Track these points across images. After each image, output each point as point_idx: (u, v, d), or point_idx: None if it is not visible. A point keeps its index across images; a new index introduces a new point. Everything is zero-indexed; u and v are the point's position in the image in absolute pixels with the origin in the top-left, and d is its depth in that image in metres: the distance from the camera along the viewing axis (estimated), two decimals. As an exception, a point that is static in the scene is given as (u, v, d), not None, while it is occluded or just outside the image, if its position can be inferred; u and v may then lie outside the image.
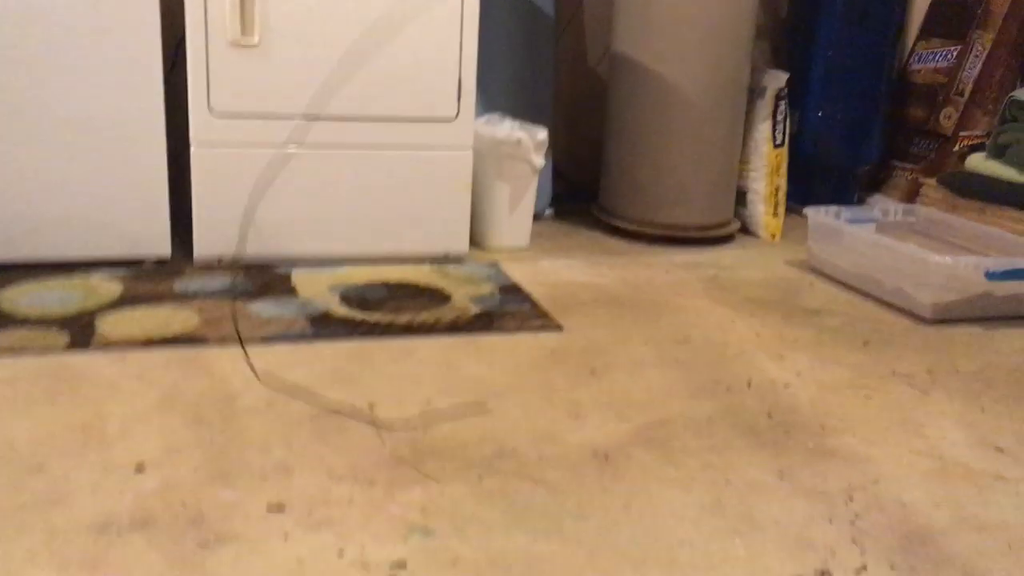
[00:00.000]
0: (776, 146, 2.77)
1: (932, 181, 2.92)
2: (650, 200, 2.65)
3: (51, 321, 1.78)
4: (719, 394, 1.66)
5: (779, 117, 2.75)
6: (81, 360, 1.63)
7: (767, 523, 1.25)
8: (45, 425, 1.39)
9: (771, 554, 1.18)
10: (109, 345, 1.70)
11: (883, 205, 2.90)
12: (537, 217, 2.73)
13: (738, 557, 1.17)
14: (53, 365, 1.60)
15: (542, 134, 2.49)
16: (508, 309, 2.02)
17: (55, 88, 1.99)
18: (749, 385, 1.71)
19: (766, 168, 2.77)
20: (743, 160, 2.78)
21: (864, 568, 1.17)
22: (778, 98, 2.74)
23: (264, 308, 1.93)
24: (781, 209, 2.82)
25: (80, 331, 1.74)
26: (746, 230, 2.84)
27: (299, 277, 2.15)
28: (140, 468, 1.29)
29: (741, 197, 2.82)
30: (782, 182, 2.81)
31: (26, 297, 1.90)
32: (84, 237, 2.09)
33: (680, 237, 2.67)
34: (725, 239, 2.75)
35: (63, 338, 1.71)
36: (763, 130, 2.75)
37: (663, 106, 2.58)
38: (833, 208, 2.52)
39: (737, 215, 2.83)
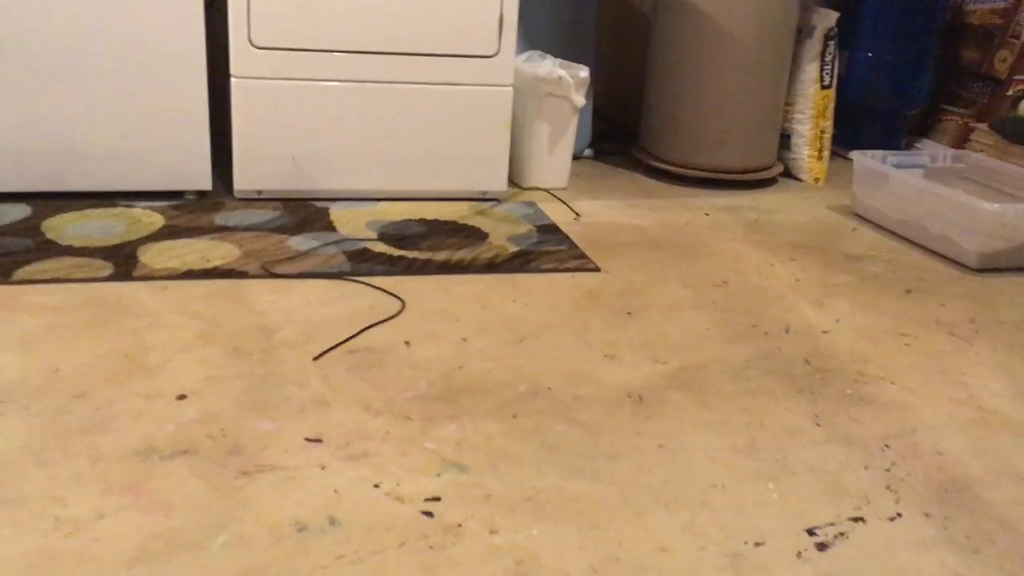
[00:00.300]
0: (823, 87, 2.70)
1: (983, 126, 2.84)
2: (691, 141, 2.61)
3: (94, 251, 1.81)
4: (756, 339, 1.65)
5: (827, 58, 2.68)
6: (123, 290, 1.66)
7: (801, 468, 1.25)
8: (89, 353, 1.42)
9: (804, 499, 1.18)
10: (151, 276, 1.72)
11: (931, 150, 2.84)
12: (576, 157, 2.70)
13: (771, 501, 1.17)
14: (96, 294, 1.63)
15: (583, 72, 2.45)
16: (545, 249, 2.01)
17: (98, 23, 1.99)
18: (787, 330, 1.70)
19: (812, 110, 2.71)
20: (788, 101, 2.72)
21: (899, 516, 1.16)
22: (827, 38, 2.67)
23: (303, 242, 1.94)
24: (826, 153, 2.77)
25: (123, 261, 1.77)
26: (789, 173, 2.79)
27: (337, 212, 2.16)
28: (181, 397, 1.31)
29: (785, 140, 2.77)
30: (828, 125, 2.74)
31: (70, 227, 1.92)
32: (127, 169, 2.11)
33: (721, 179, 2.63)
34: (767, 182, 2.71)
35: (106, 268, 1.73)
36: (810, 71, 2.69)
37: (707, 45, 2.52)
38: (879, 152, 2.46)
39: (780, 158, 2.78)
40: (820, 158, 2.75)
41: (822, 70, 2.68)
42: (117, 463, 1.15)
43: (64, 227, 1.92)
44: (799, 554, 1.07)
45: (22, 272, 1.68)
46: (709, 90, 2.56)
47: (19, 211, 1.99)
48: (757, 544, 1.08)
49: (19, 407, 1.26)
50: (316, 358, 1.46)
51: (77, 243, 1.84)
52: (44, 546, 0.99)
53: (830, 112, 2.74)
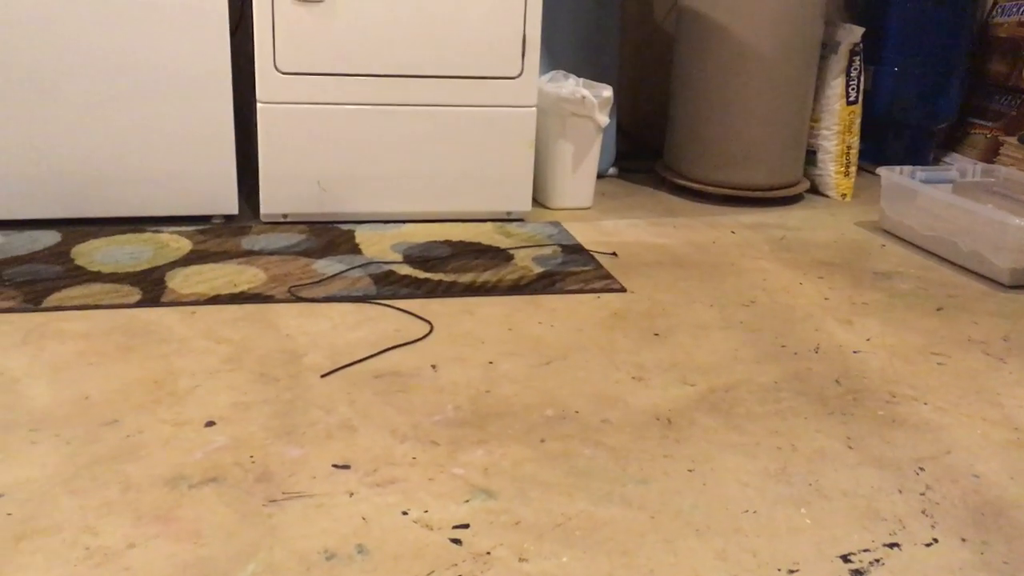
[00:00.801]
0: (849, 103, 2.68)
1: (1013, 139, 2.81)
2: (716, 159, 2.60)
3: (123, 276, 1.82)
4: (785, 359, 1.63)
5: (853, 73, 2.66)
6: (152, 315, 1.67)
7: (834, 493, 1.23)
8: (118, 379, 1.43)
9: (838, 524, 1.16)
10: (179, 301, 1.73)
11: (960, 165, 2.80)
12: (600, 176, 2.70)
13: (804, 527, 1.15)
14: (125, 320, 1.64)
15: (607, 92, 2.45)
16: (571, 269, 2.01)
17: (125, 50, 2.01)
18: (817, 350, 1.68)
19: (838, 126, 2.69)
20: (814, 118, 2.71)
21: (935, 541, 1.14)
22: (852, 53, 2.65)
23: (329, 266, 1.95)
24: (853, 169, 2.74)
25: (151, 287, 1.78)
26: (816, 190, 2.77)
27: (362, 235, 2.16)
28: (210, 424, 1.31)
29: (811, 156, 2.75)
30: (854, 140, 2.72)
31: (99, 252, 1.94)
32: (154, 194, 2.13)
33: (747, 197, 2.61)
34: (793, 199, 2.69)
35: (135, 293, 1.74)
36: (836, 86, 2.67)
37: (731, 62, 2.52)
38: (907, 168, 2.44)
39: (806, 175, 2.76)
40: (847, 174, 2.73)
41: (848, 85, 2.67)
42: (147, 491, 1.15)
43: (93, 253, 1.94)
44: (834, 581, 1.06)
45: (52, 299, 1.70)
46: (734, 107, 2.55)
47: (49, 238, 2.01)
48: (791, 572, 1.07)
49: (50, 435, 1.27)
50: (325, 375, 1.46)
51: (106, 269, 1.86)
52: (76, 575, 1.00)
53: (856, 127, 2.72)
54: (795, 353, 1.66)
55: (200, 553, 1.04)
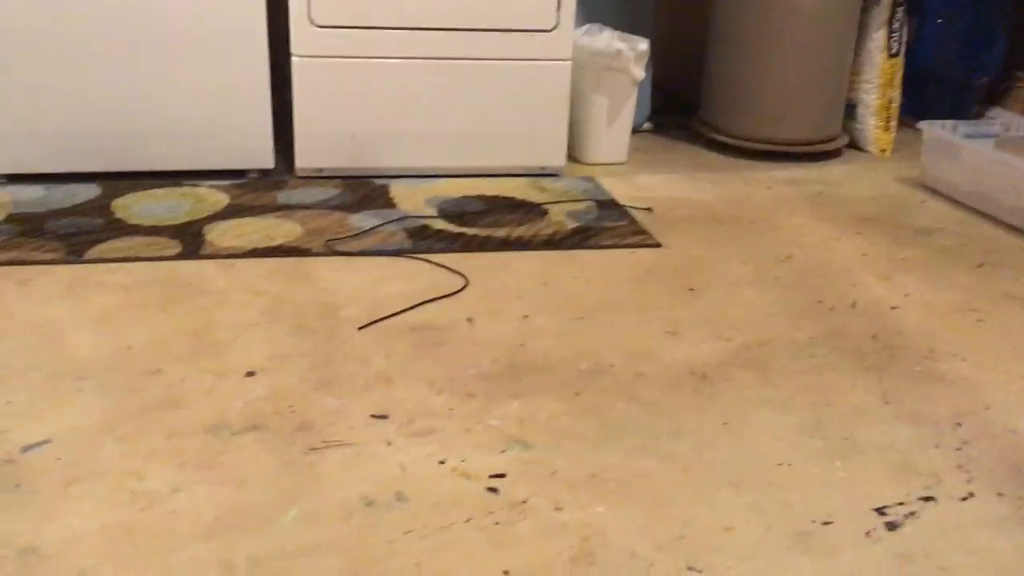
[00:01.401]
0: (891, 56, 2.63)
1: (1059, 93, 2.74)
2: (753, 113, 2.57)
3: (162, 229, 1.85)
4: (821, 315, 1.63)
5: (895, 25, 2.60)
6: (191, 268, 1.69)
7: (869, 447, 1.23)
8: (160, 331, 1.45)
9: (873, 479, 1.16)
10: (217, 254, 1.75)
11: (1003, 119, 2.74)
12: (635, 131, 2.68)
13: (838, 480, 1.16)
14: (165, 273, 1.67)
15: (643, 45, 2.42)
16: (605, 225, 2.00)
17: (162, 5, 2.02)
18: (853, 306, 1.67)
19: (879, 79, 2.64)
20: (854, 71, 2.66)
21: (971, 495, 1.14)
22: (895, 4, 2.59)
23: (364, 220, 1.96)
24: (893, 123, 2.70)
25: (190, 240, 1.80)
26: (855, 145, 2.73)
27: (397, 190, 2.17)
28: (250, 374, 1.34)
29: (851, 110, 2.70)
30: (896, 94, 2.67)
31: (138, 206, 1.97)
32: (191, 148, 2.14)
33: (784, 152, 2.58)
34: (832, 154, 2.65)
35: (174, 246, 1.77)
36: (877, 39, 2.61)
37: (770, 14, 2.47)
38: (949, 122, 2.40)
39: (846, 129, 2.71)
40: (887, 129, 2.68)
41: (890, 38, 2.61)
42: (190, 438, 1.18)
43: (132, 206, 1.96)
44: (868, 533, 1.06)
45: (94, 251, 1.73)
46: (772, 60, 2.51)
47: (89, 191, 2.04)
48: (825, 523, 1.07)
49: (95, 384, 1.29)
50: (362, 328, 1.48)
51: (145, 222, 1.88)
52: (123, 519, 1.03)
53: (898, 81, 2.67)
54: (831, 309, 1.65)
55: (243, 498, 1.07)
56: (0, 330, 1.43)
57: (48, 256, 1.70)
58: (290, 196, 2.08)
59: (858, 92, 2.68)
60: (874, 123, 2.68)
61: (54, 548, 0.98)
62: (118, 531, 1.01)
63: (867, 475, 1.17)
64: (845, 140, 2.67)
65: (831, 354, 1.48)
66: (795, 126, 2.56)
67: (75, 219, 1.88)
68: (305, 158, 2.20)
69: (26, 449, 1.14)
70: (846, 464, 1.19)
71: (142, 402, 1.26)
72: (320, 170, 2.22)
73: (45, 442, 1.16)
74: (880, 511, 1.10)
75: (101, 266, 1.68)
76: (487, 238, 1.90)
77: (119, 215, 1.91)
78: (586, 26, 2.52)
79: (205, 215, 1.94)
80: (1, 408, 1.23)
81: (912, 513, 1.10)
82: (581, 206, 2.12)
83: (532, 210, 2.08)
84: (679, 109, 2.91)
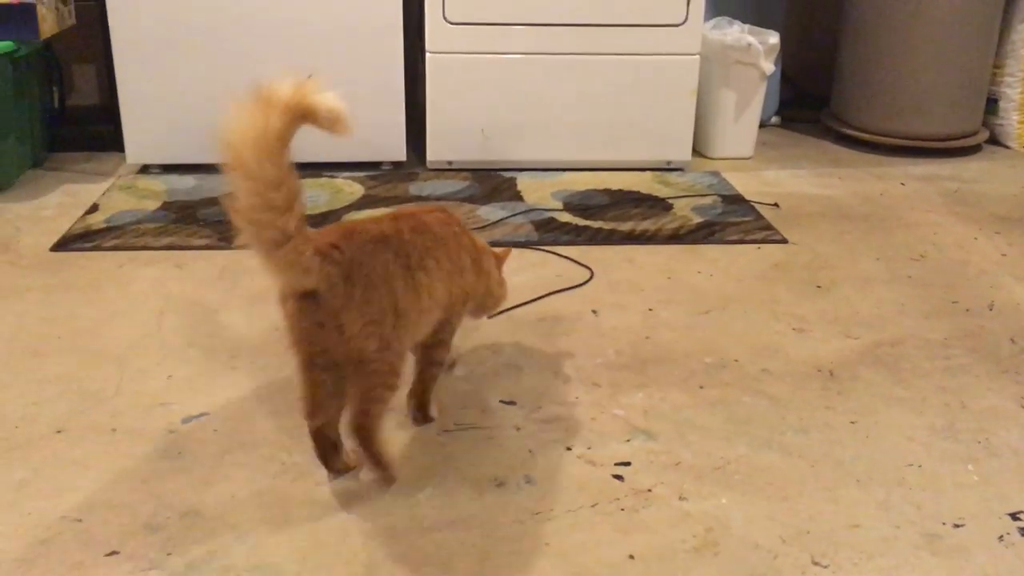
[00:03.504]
0: (1037, 47, 2.52)
1: None
2: (887, 107, 2.50)
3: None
4: (956, 315, 1.59)
5: (1043, 15, 2.49)
6: (330, 256, 1.78)
7: (1005, 451, 1.21)
8: (303, 314, 1.54)
9: (1008, 482, 1.14)
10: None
11: None
12: (763, 125, 2.65)
13: (971, 483, 1.14)
14: (307, 260, 1.76)
15: (773, 38, 2.39)
16: (730, 220, 2.00)
17: (304, 5, 2.12)
18: (991, 307, 1.62)
19: (1023, 73, 2.53)
20: (997, 64, 2.56)
21: (1113, 506, 1.11)
22: (1044, -7, 2.48)
23: (492, 212, 2.01)
24: (1038, 118, 2.58)
25: (328, 229, 1.89)
26: (996, 140, 2.63)
27: (524, 182, 2.22)
28: (386, 357, 1.40)
29: (992, 104, 2.60)
30: (1041, 88, 2.56)
31: (281, 196, 2.08)
32: (329, 141, 2.23)
33: (919, 147, 2.51)
34: (971, 150, 2.56)
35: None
36: (1022, 30, 2.51)
37: (906, 4, 2.40)
38: (1101, 117, 2.28)
39: (986, 124, 2.62)
40: (1031, 123, 2.57)
41: (1036, 29, 2.50)
42: (333, 416, 1.25)
43: (276, 196, 2.07)
44: (1001, 538, 1.04)
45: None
46: (908, 52, 2.44)
47: (236, 181, 2.16)
48: (956, 526, 1.06)
49: (247, 362, 1.39)
50: (491, 317, 1.51)
51: (288, 211, 1.98)
52: (274, 488, 1.11)
53: (1044, 74, 2.55)
54: (967, 310, 1.61)
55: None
56: (160, 310, 1.55)
57: (201, 242, 1.82)
58: (421, 188, 2.16)
59: (1000, 86, 2.58)
60: (1017, 118, 2.57)
61: (213, 511, 1.06)
62: (271, 498, 1.09)
63: (1001, 479, 1.15)
64: (985, 135, 2.58)
65: (966, 356, 1.45)
66: (932, 120, 2.48)
67: (225, 207, 2.00)
68: (436, 151, 2.27)
69: (187, 420, 1.24)
70: (979, 467, 1.17)
71: (290, 381, 1.34)
72: (450, 163, 2.29)
73: (203, 414, 1.25)
74: (1015, 516, 1.08)
75: (249, 252, 1.78)
76: (612, 231, 1.93)
77: (264, 204, 2.02)
78: (715, 19, 2.51)
79: (343, 205, 2.03)
80: (163, 382, 1.33)
81: (1049, 520, 1.08)
82: (706, 201, 2.12)
83: (657, 204, 2.10)
84: (808, 103, 2.86)
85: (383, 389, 1.05)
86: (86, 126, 2.43)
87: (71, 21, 2.22)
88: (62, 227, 1.89)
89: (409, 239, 1.09)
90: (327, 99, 0.95)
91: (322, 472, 1.13)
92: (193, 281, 1.66)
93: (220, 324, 1.50)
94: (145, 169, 2.25)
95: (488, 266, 1.26)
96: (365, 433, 1.05)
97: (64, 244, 1.80)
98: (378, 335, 1.02)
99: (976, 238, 1.94)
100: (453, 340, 1.24)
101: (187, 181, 2.16)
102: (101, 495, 1.09)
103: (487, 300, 1.28)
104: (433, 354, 1.21)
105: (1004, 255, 1.85)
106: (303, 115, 0.95)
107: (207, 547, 1.01)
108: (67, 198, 2.07)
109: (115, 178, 2.20)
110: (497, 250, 1.34)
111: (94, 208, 1.98)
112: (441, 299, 1.13)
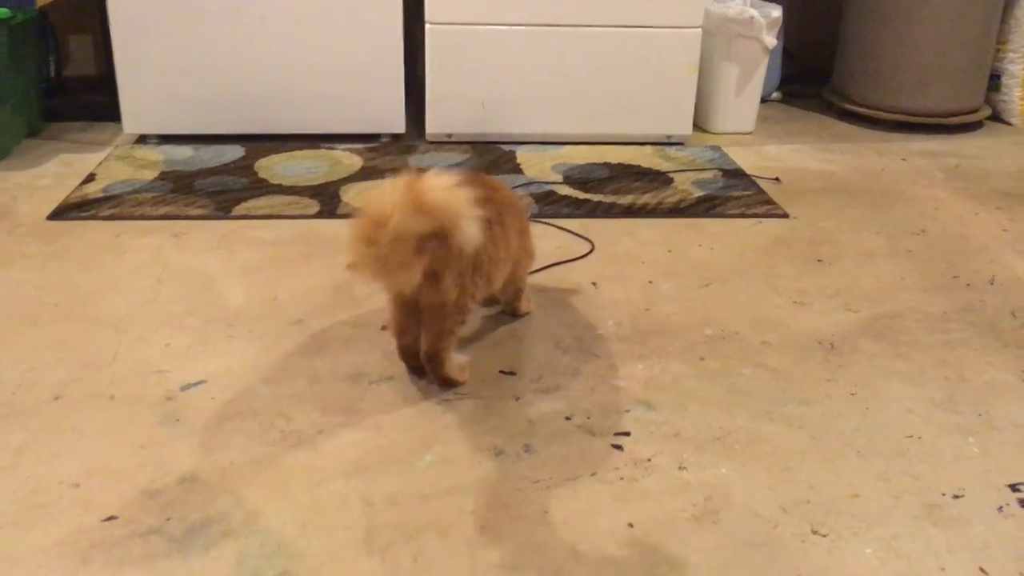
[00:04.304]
0: (1041, 23, 2.50)
1: None
2: (889, 82, 2.49)
3: (302, 189, 1.94)
4: (957, 290, 1.58)
5: (1048, -10, 2.47)
6: (329, 227, 1.77)
7: (1005, 424, 1.21)
8: (302, 284, 1.54)
9: (1008, 455, 1.14)
10: (353, 214, 1.82)
11: None
12: (764, 100, 2.63)
13: (971, 455, 1.14)
14: (305, 229, 1.75)
15: (776, 11, 2.38)
16: (731, 194, 1.99)
17: (303, -32, 2.10)
18: (992, 282, 1.62)
19: (1027, 48, 2.52)
20: (1000, 40, 2.54)
21: (1112, 478, 1.11)
22: (1049, -31, 2.46)
23: (491, 185, 2.00)
24: (1040, 94, 2.57)
25: (327, 200, 1.88)
26: (998, 117, 2.62)
27: (523, 155, 2.20)
28: (384, 328, 1.40)
29: (994, 81, 2.59)
30: (1044, 64, 2.54)
31: (280, 166, 2.07)
32: (328, 113, 2.23)
33: (921, 123, 2.49)
34: (972, 126, 2.55)
35: (313, 206, 1.85)
36: (1027, 5, 2.49)
37: (912, -21, 2.38)
38: (1104, 94, 2.27)
39: (988, 100, 2.60)
40: (1033, 100, 2.56)
41: (1041, 4, 2.48)
42: (332, 384, 1.25)
43: (274, 167, 2.06)
44: (1000, 508, 1.04)
45: (240, 208, 1.83)
46: (911, 27, 2.42)
47: (235, 152, 2.15)
48: (956, 496, 1.06)
49: (245, 331, 1.38)
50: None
51: (287, 182, 1.98)
52: (272, 455, 1.10)
53: (1048, 50, 2.54)
54: (968, 284, 1.61)
55: (381, 442, 1.13)
56: (158, 279, 1.54)
57: (199, 212, 1.80)
58: (420, 160, 2.15)
59: (1003, 62, 2.56)
60: (1019, 94, 2.56)
61: (212, 477, 1.06)
62: (269, 465, 1.08)
63: (1001, 451, 1.15)
64: (987, 112, 2.57)
65: (966, 329, 1.45)
66: (934, 96, 2.47)
67: (222, 178, 1.99)
68: (436, 123, 2.26)
69: (185, 388, 1.24)
70: (979, 440, 1.17)
71: (287, 349, 1.34)
72: (450, 135, 2.28)
73: (201, 382, 1.25)
74: (1014, 487, 1.08)
75: (247, 222, 1.77)
76: (612, 204, 1.92)
77: (262, 175, 2.01)
78: (717, -7, 2.49)
79: (341, 177, 2.02)
80: (161, 350, 1.33)
81: (1048, 491, 1.08)
82: (707, 175, 2.11)
83: (657, 178, 2.09)
84: (810, 78, 2.85)
85: (454, 325, 1.21)
86: (82, 96, 2.41)
87: (67, -11, 2.20)
88: (59, 196, 1.88)
89: (493, 197, 1.25)
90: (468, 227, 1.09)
91: (321, 439, 1.13)
92: (190, 250, 1.65)
93: (217, 293, 1.50)
94: (142, 139, 2.23)
95: (527, 226, 1.41)
96: (438, 360, 1.22)
97: (61, 213, 1.79)
98: (461, 286, 1.18)
99: (977, 213, 1.93)
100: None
101: (184, 151, 2.15)
102: (99, 461, 1.09)
103: (527, 259, 1.42)
104: (514, 289, 1.42)
105: (1005, 230, 1.84)
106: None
107: (205, 512, 1.01)
108: (64, 167, 2.05)
109: (112, 148, 2.18)
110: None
111: (91, 178, 1.97)
112: (514, 252, 1.30)
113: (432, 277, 1.14)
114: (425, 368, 1.25)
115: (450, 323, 1.21)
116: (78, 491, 1.03)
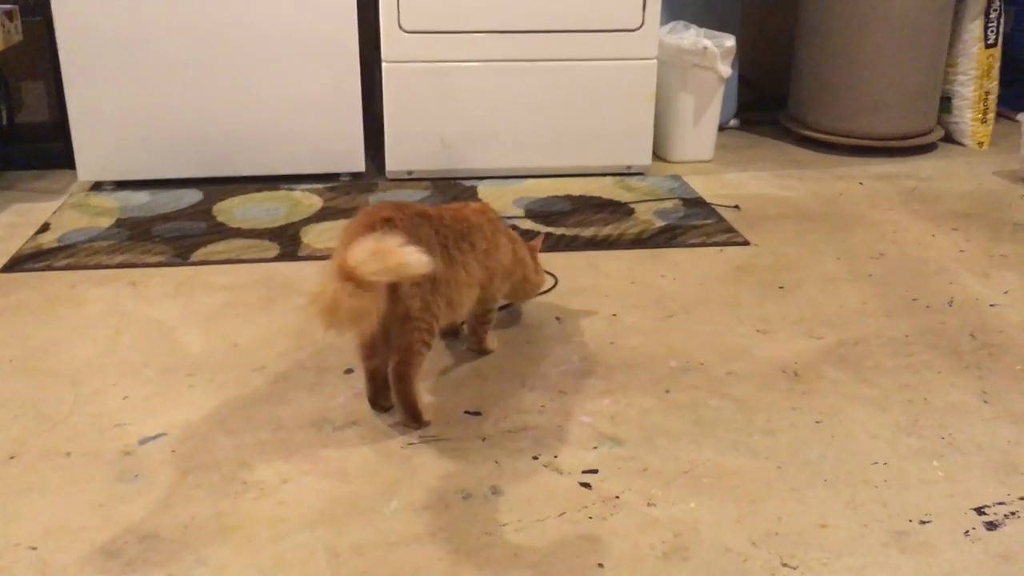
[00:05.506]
0: (988, 46, 2.56)
1: None
2: (844, 107, 2.52)
3: (261, 232, 1.92)
4: (917, 312, 1.60)
5: (992, 14, 2.53)
6: (289, 269, 1.75)
7: (968, 446, 1.21)
8: (263, 329, 1.52)
9: (973, 478, 1.15)
10: (314, 256, 1.81)
11: (1110, 109, 2.64)
12: (722, 128, 2.66)
13: (936, 479, 1.14)
14: (265, 273, 1.73)
15: (729, 41, 2.41)
16: (692, 223, 2.00)
17: (257, 18, 2.10)
18: (950, 304, 1.63)
19: (975, 71, 2.57)
20: (950, 62, 2.59)
21: (1076, 497, 1.11)
22: (992, -7, 2.52)
23: (453, 221, 2.00)
24: (991, 115, 2.62)
25: (287, 242, 1.87)
26: (951, 138, 2.66)
27: (485, 190, 2.20)
28: (348, 371, 1.38)
29: (946, 103, 2.64)
30: (993, 86, 2.60)
31: (238, 209, 2.05)
32: (286, 154, 2.22)
33: (877, 147, 2.53)
34: (926, 148, 2.59)
35: (273, 248, 1.84)
36: (973, 29, 2.54)
37: (861, 5, 2.43)
38: (1051, 113, 2.32)
39: (941, 122, 2.65)
40: (984, 121, 2.61)
41: (986, 27, 2.54)
42: (295, 432, 1.23)
43: (233, 210, 2.05)
44: (967, 533, 1.05)
45: (199, 253, 1.81)
46: (863, 52, 2.46)
47: (192, 196, 2.13)
48: (923, 522, 1.06)
49: (205, 379, 1.36)
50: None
51: (245, 225, 1.96)
52: (235, 508, 1.08)
53: (995, 72, 2.59)
54: (927, 306, 1.62)
55: (346, 489, 1.11)
56: (115, 328, 1.52)
57: (156, 259, 1.78)
58: (381, 198, 2.14)
59: (954, 84, 2.61)
60: (971, 115, 2.61)
61: (173, 533, 1.04)
62: (232, 519, 1.06)
63: (966, 474, 1.15)
64: (940, 133, 2.61)
65: (928, 352, 1.46)
66: (888, 120, 2.51)
67: (180, 223, 1.97)
68: (395, 161, 2.26)
69: (143, 441, 1.21)
70: (944, 463, 1.18)
71: (249, 397, 1.31)
72: (410, 172, 2.28)
73: (161, 435, 1.23)
74: (979, 511, 1.09)
75: (206, 268, 1.75)
76: (574, 237, 1.92)
77: (220, 219, 2.00)
78: (671, 24, 2.52)
79: (301, 218, 2.01)
80: (119, 402, 1.30)
81: (1013, 513, 1.08)
82: (668, 204, 2.12)
83: (619, 209, 2.09)
84: (767, 105, 2.89)
85: (421, 344, 1.23)
86: (36, 143, 2.38)
87: (18, 37, 2.18)
88: (12, 248, 1.84)
89: (448, 223, 1.29)
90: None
91: (285, 489, 1.11)
92: (148, 299, 1.63)
93: (177, 342, 1.47)
94: (97, 186, 2.20)
95: (523, 254, 1.45)
96: (404, 378, 1.23)
97: (15, 265, 1.75)
98: (420, 296, 1.21)
99: (934, 235, 1.96)
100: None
101: (141, 197, 2.12)
102: (56, 521, 1.06)
103: (525, 286, 1.47)
104: (481, 317, 1.42)
105: (962, 251, 1.87)
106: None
107: (167, 571, 0.98)
108: (17, 217, 2.02)
109: (67, 196, 2.15)
110: (529, 242, 1.51)
111: (45, 227, 1.94)
112: (478, 276, 1.32)
113: (391, 291, 1.16)
114: (392, 392, 1.24)
115: (416, 337, 1.22)
116: (35, 554, 1.01)
